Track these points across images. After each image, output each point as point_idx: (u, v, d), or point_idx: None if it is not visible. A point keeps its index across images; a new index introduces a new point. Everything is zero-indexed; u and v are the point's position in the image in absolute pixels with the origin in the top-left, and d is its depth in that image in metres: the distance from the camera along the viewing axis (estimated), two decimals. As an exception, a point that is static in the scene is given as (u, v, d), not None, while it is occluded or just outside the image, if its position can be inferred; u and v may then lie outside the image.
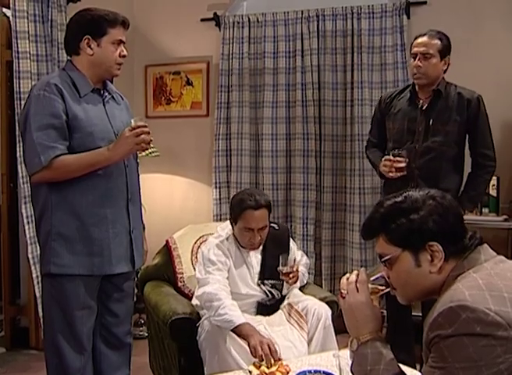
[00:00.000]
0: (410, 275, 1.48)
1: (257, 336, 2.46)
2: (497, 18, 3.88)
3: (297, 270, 2.85)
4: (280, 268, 2.78)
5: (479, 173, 3.08)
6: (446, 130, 2.99)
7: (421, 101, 3.06)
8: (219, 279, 2.74)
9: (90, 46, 2.34)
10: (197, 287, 2.81)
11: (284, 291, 2.95)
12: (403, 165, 2.94)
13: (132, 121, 2.31)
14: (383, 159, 3.04)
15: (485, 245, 1.48)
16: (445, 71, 3.07)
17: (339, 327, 2.89)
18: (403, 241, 1.47)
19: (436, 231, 1.45)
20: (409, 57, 3.14)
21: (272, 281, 2.90)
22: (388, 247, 1.50)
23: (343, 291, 1.58)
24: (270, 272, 2.89)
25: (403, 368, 1.52)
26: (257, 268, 2.93)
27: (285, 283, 2.92)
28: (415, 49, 3.03)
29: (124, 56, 2.40)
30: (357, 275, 1.59)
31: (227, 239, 2.90)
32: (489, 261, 1.43)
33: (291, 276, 2.80)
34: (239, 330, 2.51)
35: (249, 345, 2.44)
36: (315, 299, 2.91)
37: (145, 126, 2.29)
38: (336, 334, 2.79)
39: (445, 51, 3.01)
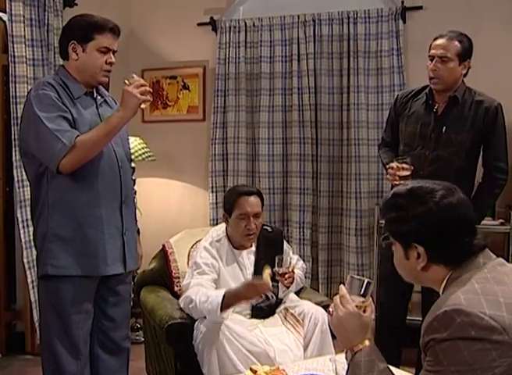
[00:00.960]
0: (402, 263, 1.55)
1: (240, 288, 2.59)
2: (494, 22, 3.89)
3: (293, 271, 2.85)
4: (276, 269, 2.77)
5: (488, 185, 2.96)
6: (459, 139, 2.88)
7: (436, 106, 2.95)
8: (200, 281, 2.76)
9: (75, 51, 2.35)
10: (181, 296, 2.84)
11: (280, 294, 2.94)
12: (407, 173, 2.81)
13: (126, 81, 2.32)
14: (387, 167, 2.92)
15: (486, 249, 1.49)
16: (465, 75, 2.93)
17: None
18: (392, 233, 1.53)
19: (421, 235, 1.47)
20: (404, 60, 3.10)
21: None
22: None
23: (330, 309, 1.60)
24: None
25: (396, 371, 1.53)
26: (250, 269, 2.94)
27: (280, 286, 2.91)
28: (432, 51, 2.90)
29: (111, 64, 2.38)
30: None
31: (218, 241, 2.94)
32: (488, 264, 1.44)
33: (286, 276, 2.80)
34: (226, 304, 2.54)
35: (244, 299, 2.61)
36: (312, 303, 2.91)
37: (139, 80, 2.31)
38: (332, 339, 2.77)
39: (464, 54, 2.87)
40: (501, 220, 3.67)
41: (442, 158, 2.89)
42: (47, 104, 2.26)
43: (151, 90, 2.34)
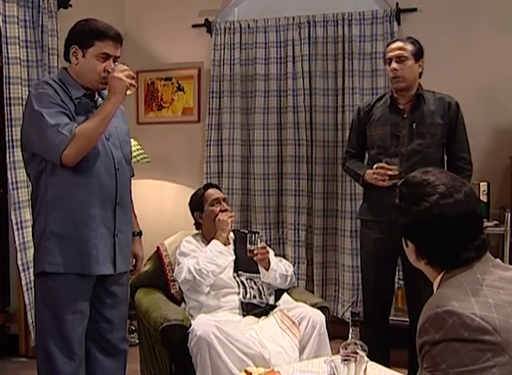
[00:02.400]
0: (405, 247, 1.56)
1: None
2: (488, 24, 3.90)
3: (264, 248, 3.07)
4: (248, 246, 3.01)
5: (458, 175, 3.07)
6: (431, 132, 3.02)
7: (401, 106, 3.09)
8: (190, 262, 3.00)
9: (76, 56, 2.38)
10: (178, 278, 3.06)
11: (262, 277, 3.11)
12: (396, 172, 2.95)
13: (109, 69, 2.37)
14: (375, 167, 3.02)
15: (485, 255, 1.47)
16: (420, 75, 3.10)
17: (332, 333, 2.91)
18: (394, 219, 1.56)
19: (409, 231, 1.50)
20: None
21: (248, 274, 3.10)
22: None
23: None
24: (244, 265, 3.11)
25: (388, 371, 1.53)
26: (230, 261, 3.11)
27: (260, 269, 3.10)
28: (390, 54, 3.08)
29: (108, 71, 2.38)
30: None
31: (195, 237, 3.23)
32: (481, 266, 1.44)
33: (255, 252, 3.02)
34: (218, 239, 3.07)
35: (226, 226, 3.10)
36: (308, 306, 2.92)
37: (122, 66, 2.36)
38: (329, 340, 2.81)
39: (418, 54, 3.06)
40: (495, 222, 3.68)
41: (418, 152, 3.02)
42: (46, 101, 2.29)
43: (135, 75, 2.38)
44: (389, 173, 2.96)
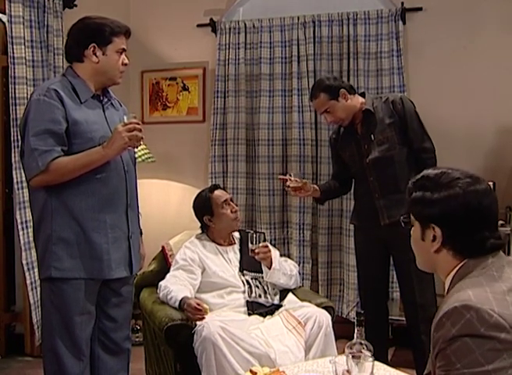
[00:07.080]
0: (417, 245, 1.57)
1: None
2: (493, 23, 3.89)
3: (266, 247, 3.05)
4: (250, 245, 3.00)
5: (420, 168, 3.09)
6: (385, 136, 3.08)
7: (357, 126, 3.17)
8: (175, 274, 2.99)
9: (95, 54, 2.38)
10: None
11: (264, 276, 3.08)
12: (297, 185, 3.16)
13: (125, 117, 2.35)
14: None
15: (500, 251, 1.48)
16: (351, 92, 3.13)
17: (337, 333, 2.91)
18: (414, 213, 1.55)
19: (441, 218, 1.47)
20: (404, 61, 3.20)
21: (253, 274, 3.10)
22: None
23: None
24: (249, 265, 3.10)
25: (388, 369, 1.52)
26: (236, 263, 3.12)
27: (264, 268, 3.08)
28: (318, 111, 3.34)
29: (126, 64, 2.44)
30: None
31: (199, 238, 3.21)
32: (496, 263, 1.44)
33: (256, 251, 2.99)
34: (182, 305, 2.74)
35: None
36: (314, 306, 2.93)
37: (138, 123, 2.31)
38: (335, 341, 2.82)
39: (333, 92, 3.09)
40: (501, 222, 3.67)
41: (380, 157, 3.09)
42: (42, 113, 2.26)
43: (143, 136, 2.33)
44: (291, 184, 3.16)
